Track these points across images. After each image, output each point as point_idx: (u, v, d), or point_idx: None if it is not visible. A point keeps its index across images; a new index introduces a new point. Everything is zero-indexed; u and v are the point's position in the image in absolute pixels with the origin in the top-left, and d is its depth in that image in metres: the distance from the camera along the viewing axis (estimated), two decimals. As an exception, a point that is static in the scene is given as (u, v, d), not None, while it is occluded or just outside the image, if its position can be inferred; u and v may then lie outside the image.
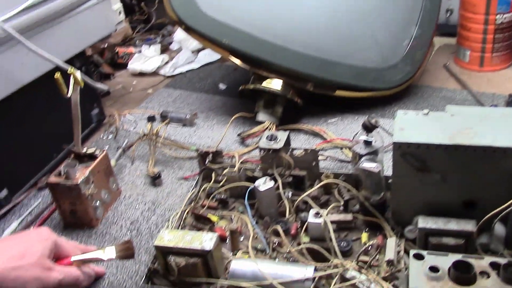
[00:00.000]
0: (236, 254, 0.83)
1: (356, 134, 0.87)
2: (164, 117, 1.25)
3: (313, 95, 1.19)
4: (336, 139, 1.09)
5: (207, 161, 0.99)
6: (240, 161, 0.97)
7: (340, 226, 0.85)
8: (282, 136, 0.93)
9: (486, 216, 0.72)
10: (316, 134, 1.15)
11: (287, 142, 0.94)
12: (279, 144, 0.91)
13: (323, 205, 0.88)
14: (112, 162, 1.09)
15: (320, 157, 1.05)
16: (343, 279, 0.74)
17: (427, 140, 0.75)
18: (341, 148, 1.07)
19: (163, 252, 0.78)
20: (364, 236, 0.83)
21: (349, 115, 1.21)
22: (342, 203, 0.88)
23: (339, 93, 1.18)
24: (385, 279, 0.74)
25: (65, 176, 0.91)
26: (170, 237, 0.78)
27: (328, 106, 1.24)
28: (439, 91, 1.27)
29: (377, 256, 0.79)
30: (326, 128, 1.17)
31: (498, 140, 0.73)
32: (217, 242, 0.78)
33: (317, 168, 0.95)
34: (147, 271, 0.81)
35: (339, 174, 0.93)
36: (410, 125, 0.79)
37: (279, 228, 0.81)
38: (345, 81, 1.17)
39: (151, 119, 1.26)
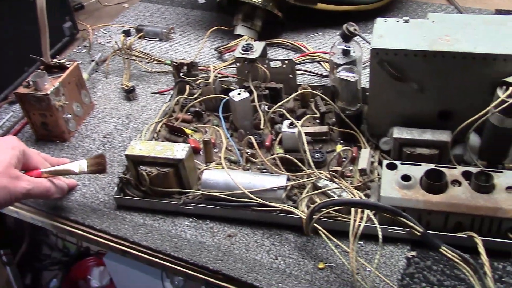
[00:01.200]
0: (209, 166, 0.82)
1: (334, 43, 0.84)
2: (139, 31, 1.21)
3: (294, 8, 1.14)
4: (315, 52, 1.05)
5: (181, 73, 0.96)
6: (215, 73, 0.93)
7: (316, 138, 0.84)
8: (258, 46, 0.90)
9: (461, 126, 0.71)
10: (296, 49, 1.12)
11: (264, 53, 0.91)
12: (254, 54, 0.88)
13: (299, 118, 0.86)
14: (85, 76, 1.05)
15: (299, 72, 1.02)
16: (315, 188, 0.73)
17: (405, 47, 0.72)
18: (320, 62, 1.04)
19: (135, 162, 0.77)
20: (339, 147, 0.82)
21: (330, 30, 1.17)
22: (318, 115, 0.86)
23: (321, 6, 1.14)
24: (357, 188, 0.74)
25: (33, 87, 0.88)
26: (141, 147, 0.77)
27: (309, 20, 1.19)
28: (424, 6, 1.23)
29: (351, 167, 0.78)
30: (306, 42, 1.13)
31: (478, 47, 0.70)
32: (190, 153, 0.76)
33: (294, 81, 0.92)
34: (119, 182, 0.80)
35: (317, 87, 0.91)
36: (389, 32, 0.76)
37: (252, 139, 0.80)
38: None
39: (126, 33, 1.21)
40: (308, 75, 1.03)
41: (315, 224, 0.68)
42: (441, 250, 0.58)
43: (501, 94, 0.68)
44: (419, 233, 0.59)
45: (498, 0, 1.22)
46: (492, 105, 0.69)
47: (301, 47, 1.10)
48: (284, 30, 1.18)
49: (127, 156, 0.76)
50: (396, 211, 0.60)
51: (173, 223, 0.76)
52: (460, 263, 0.58)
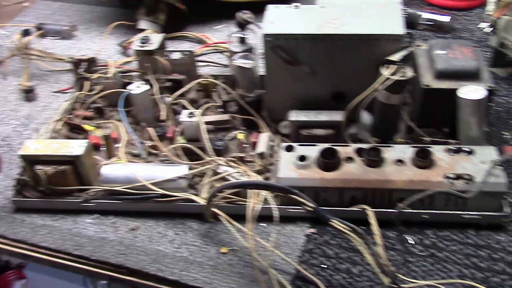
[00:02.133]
0: (111, 161, 0.80)
1: (231, 32, 0.85)
2: (39, 29, 1.17)
3: (198, 0, 1.14)
4: (217, 42, 1.06)
5: (81, 69, 0.94)
6: (114, 68, 0.92)
7: (218, 127, 0.84)
8: (156, 38, 0.89)
9: (351, 104, 0.74)
10: (201, 41, 1.12)
11: (163, 45, 0.91)
12: (152, 46, 0.87)
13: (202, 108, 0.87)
14: (-20, 78, 1.01)
15: (202, 63, 1.03)
16: (216, 174, 0.74)
17: (295, 31, 0.74)
18: (223, 52, 1.05)
19: (31, 162, 0.74)
20: (241, 134, 0.83)
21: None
22: (220, 104, 0.87)
23: (229, -3, 1.15)
24: (258, 172, 0.75)
25: None
26: (37, 146, 0.75)
27: (214, 12, 1.20)
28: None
29: (253, 152, 0.80)
30: (212, 34, 1.13)
31: (364, 29, 0.73)
32: (88, 149, 0.75)
33: (195, 72, 0.92)
34: (15, 184, 0.77)
35: (218, 76, 0.91)
36: (280, 18, 0.77)
37: (151, 131, 0.79)
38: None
39: (25, 32, 1.17)
40: (213, 65, 1.04)
41: (215, 210, 0.68)
42: (330, 223, 0.60)
43: (385, 72, 0.72)
44: (311, 209, 0.61)
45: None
46: (377, 82, 0.72)
47: (206, 38, 1.11)
48: (189, 23, 1.18)
49: (22, 156, 0.74)
50: (287, 189, 0.62)
51: (74, 221, 0.75)
52: (350, 233, 0.60)
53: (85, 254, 0.70)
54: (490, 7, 0.91)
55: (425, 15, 1.09)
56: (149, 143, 0.81)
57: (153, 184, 0.72)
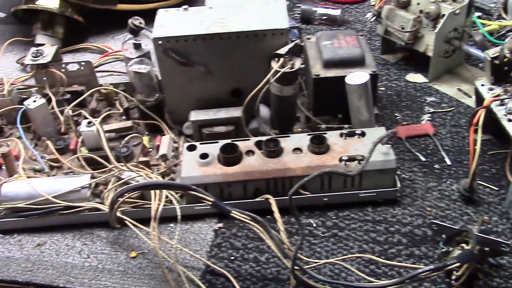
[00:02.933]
0: (12, 179, 0.79)
1: (125, 39, 0.86)
2: None
3: (96, 11, 1.13)
4: (116, 51, 1.06)
5: (-26, 90, 0.91)
6: (12, 85, 0.90)
7: (121, 134, 0.84)
8: (49, 50, 0.88)
9: (247, 99, 0.76)
10: (103, 52, 1.11)
11: (57, 57, 0.89)
12: (46, 59, 0.86)
13: (105, 117, 0.86)
14: None
15: (104, 73, 1.02)
16: (120, 180, 0.74)
17: (184, 33, 0.75)
18: (123, 61, 1.05)
19: None
20: (146, 139, 0.83)
21: (136, 29, 1.18)
22: (122, 111, 0.87)
23: (122, 6, 1.15)
24: (163, 174, 0.76)
25: None
26: None
27: (115, 22, 1.19)
28: None
29: (157, 155, 0.80)
30: (114, 44, 1.13)
31: (250, 25, 0.76)
32: (-15, 168, 0.73)
33: (95, 81, 0.92)
34: None
35: (118, 84, 0.91)
36: (170, 21, 0.79)
37: (50, 144, 0.78)
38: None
39: None
40: (115, 74, 1.03)
41: (120, 215, 0.68)
42: (231, 214, 0.62)
43: (274, 65, 0.74)
44: (210, 203, 0.62)
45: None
46: (268, 76, 0.74)
47: (107, 48, 1.10)
48: (90, 35, 1.17)
49: None
50: (185, 186, 0.63)
51: (-23, 243, 0.72)
52: (251, 222, 0.62)
53: (-10, 275, 0.68)
54: (374, -2, 0.97)
55: (319, 10, 1.13)
56: (49, 156, 0.80)
57: (56, 197, 0.71)
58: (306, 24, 1.15)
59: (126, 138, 0.77)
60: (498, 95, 0.72)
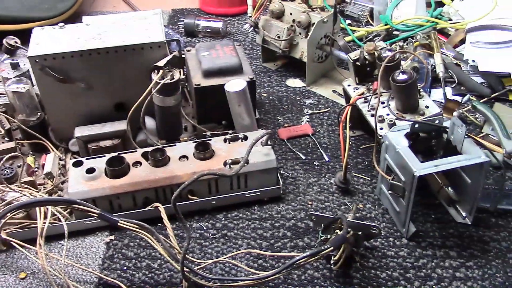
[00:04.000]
0: None
1: (1, 60, 0.84)
2: None
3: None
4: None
5: None
6: None
7: (4, 156, 0.82)
8: None
9: (130, 112, 0.78)
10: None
11: None
12: None
13: (-14, 140, 0.84)
14: None
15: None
16: (3, 201, 0.72)
17: (61, 50, 0.76)
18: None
19: None
20: (30, 159, 0.82)
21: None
22: (3, 132, 0.85)
23: (2, 27, 1.12)
24: (50, 192, 0.75)
25: None
26: None
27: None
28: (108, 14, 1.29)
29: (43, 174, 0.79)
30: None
31: (127, 39, 0.78)
32: None
33: (-28, 104, 0.89)
34: None
35: (-2, 106, 0.89)
36: (46, 39, 0.78)
37: None
38: (10, 14, 1.12)
39: None
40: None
41: (6, 237, 0.67)
42: (119, 224, 0.63)
43: (154, 77, 0.77)
44: (96, 215, 0.63)
45: (173, 1, 1.34)
46: (149, 87, 0.76)
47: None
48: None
49: None
50: (69, 200, 0.63)
51: None
52: (139, 230, 0.64)
53: None
54: (250, 9, 1.02)
55: (202, 23, 1.17)
56: None
57: None
58: (191, 37, 1.18)
59: (5, 159, 0.76)
60: (362, 94, 0.79)
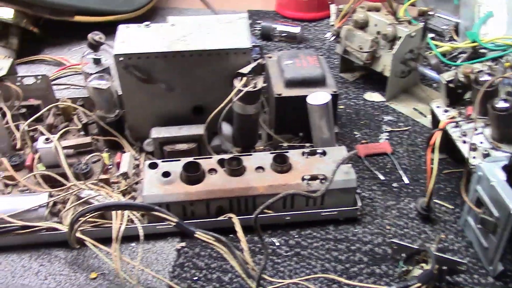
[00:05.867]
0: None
1: (84, 54, 0.84)
2: None
3: (53, 23, 1.11)
4: (75, 64, 1.04)
5: None
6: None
7: (80, 150, 0.83)
8: (3, 64, 0.86)
9: (209, 117, 0.76)
10: (59, 64, 1.09)
11: (13, 70, 0.87)
12: (0, 72, 0.83)
13: (63, 133, 0.84)
14: None
15: (61, 86, 1.00)
16: (79, 199, 0.72)
17: (146, 50, 0.75)
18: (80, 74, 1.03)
19: None
20: (105, 156, 0.82)
21: (94, 42, 1.16)
22: (80, 127, 0.85)
23: (79, 18, 1.13)
24: (124, 192, 0.75)
25: None
26: None
27: (72, 34, 1.17)
28: (185, 12, 1.29)
29: (117, 173, 0.79)
30: (70, 56, 1.11)
31: (212, 44, 0.76)
32: None
33: (52, 95, 0.90)
34: None
35: (77, 99, 0.90)
36: (131, 37, 0.78)
37: (5, 161, 0.76)
38: (87, 6, 1.12)
39: None
40: (72, 88, 1.01)
41: (80, 235, 0.67)
42: (196, 235, 0.62)
43: (237, 84, 0.75)
44: (173, 223, 0.62)
45: (249, 2, 1.33)
46: (231, 95, 0.75)
47: (64, 61, 1.08)
48: (46, 46, 1.15)
49: None
50: (148, 207, 0.62)
51: None
52: (214, 243, 0.62)
53: None
54: (332, 17, 0.99)
55: (279, 27, 1.15)
56: (3, 174, 0.77)
57: (11, 216, 0.69)
58: (266, 41, 1.16)
59: (88, 157, 0.76)
60: (453, 117, 0.75)
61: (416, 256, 0.63)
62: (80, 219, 0.63)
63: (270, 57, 0.86)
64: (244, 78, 0.74)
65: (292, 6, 1.23)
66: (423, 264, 0.61)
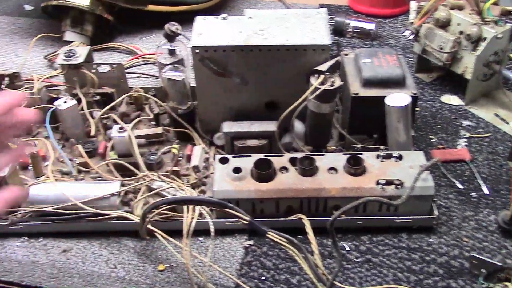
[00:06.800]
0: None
1: (160, 44, 0.84)
2: (-43, 42, 1.11)
3: (126, 11, 1.12)
4: (147, 54, 1.04)
5: (3, 85, 0.90)
6: (41, 83, 0.88)
7: (151, 140, 0.83)
8: (82, 51, 0.87)
9: (283, 114, 0.74)
10: (131, 52, 1.10)
11: (89, 58, 0.88)
12: (78, 59, 0.85)
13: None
14: None
15: (133, 75, 1.01)
16: (150, 190, 0.72)
17: (223, 43, 0.74)
18: (155, 64, 1.03)
19: (-50, 186, 0.70)
20: (175, 147, 0.82)
21: (165, 31, 1.16)
22: (152, 117, 0.86)
23: (153, 7, 1.13)
24: (193, 186, 0.75)
25: None
26: (-43, 169, 0.70)
27: (144, 22, 1.18)
28: (255, 4, 1.27)
29: (188, 165, 0.79)
30: (142, 45, 1.11)
31: (291, 39, 0.74)
32: (13, 169, 0.72)
33: (126, 84, 0.90)
34: None
35: (149, 88, 0.90)
36: (208, 29, 0.77)
37: (80, 148, 0.77)
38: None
39: None
40: (143, 77, 1.02)
41: (150, 226, 0.67)
42: (268, 235, 0.60)
43: (314, 81, 0.73)
44: (246, 222, 0.61)
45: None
46: (307, 92, 0.73)
47: (136, 49, 1.09)
48: (118, 34, 1.16)
49: None
50: (222, 203, 0.61)
51: (1, 245, 0.71)
52: (286, 245, 0.60)
53: (15, 279, 0.67)
54: (412, 15, 0.94)
55: (353, 23, 1.11)
56: (78, 160, 0.78)
57: (84, 203, 0.70)
58: (338, 36, 1.13)
59: (164, 149, 0.76)
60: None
61: (499, 274, 0.60)
62: (154, 210, 0.63)
63: (346, 55, 0.83)
64: (322, 76, 0.72)
65: (366, 1, 1.19)
66: (507, 283, 0.58)
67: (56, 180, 0.74)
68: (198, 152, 0.77)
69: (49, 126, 0.81)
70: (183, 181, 0.75)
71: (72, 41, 1.08)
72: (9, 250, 0.71)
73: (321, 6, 1.24)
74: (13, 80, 0.90)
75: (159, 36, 1.13)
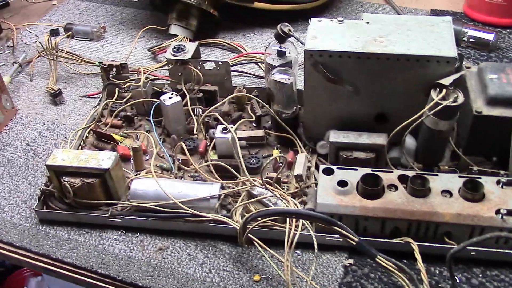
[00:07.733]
0: (139, 174, 0.77)
1: (269, 44, 0.82)
2: (68, 30, 1.14)
3: (231, 7, 1.11)
4: (252, 53, 1.02)
5: (110, 75, 0.91)
6: (146, 75, 0.89)
7: (252, 143, 0.81)
8: (190, 47, 0.86)
9: (397, 129, 0.69)
10: (233, 49, 1.08)
11: (197, 54, 0.87)
12: (186, 55, 0.84)
13: (235, 121, 0.83)
14: (7, 79, 0.99)
15: (235, 73, 0.99)
16: (250, 196, 0.70)
17: (339, 48, 0.70)
18: (257, 63, 1.01)
19: (57, 173, 0.71)
20: (276, 152, 0.79)
21: (268, 30, 1.14)
22: (254, 119, 0.83)
23: (258, 4, 1.11)
24: (293, 195, 0.72)
25: None
26: (64, 156, 0.71)
27: (247, 19, 1.16)
28: (362, 6, 1.22)
29: (288, 172, 0.76)
30: (244, 42, 1.10)
31: (412, 49, 0.69)
32: (117, 161, 0.72)
33: (229, 83, 0.89)
34: (40, 194, 0.74)
35: (253, 89, 0.88)
36: (323, 33, 0.73)
37: (183, 145, 0.76)
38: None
39: (53, 32, 1.15)
40: (245, 76, 1.00)
41: (249, 235, 0.65)
42: (377, 259, 0.56)
43: (435, 96, 0.67)
44: (354, 243, 0.57)
45: (434, 0, 1.23)
46: (426, 107, 0.67)
47: (238, 47, 1.07)
48: (221, 30, 1.15)
49: (48, 166, 0.71)
50: (331, 221, 0.58)
51: (100, 237, 0.71)
52: (396, 272, 0.56)
53: (111, 273, 0.67)
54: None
55: (470, 32, 1.04)
56: (180, 157, 0.77)
57: (184, 202, 0.69)
58: (451, 45, 1.05)
59: (266, 154, 0.73)
60: None
61: None
62: (259, 218, 0.60)
63: (468, 68, 0.77)
64: (444, 90, 0.67)
65: (484, 8, 1.11)
66: None
67: (156, 176, 0.73)
68: (302, 160, 0.74)
69: (153, 120, 0.81)
70: (282, 188, 0.72)
71: (176, 35, 1.08)
72: (107, 242, 0.71)
73: (433, 11, 1.17)
74: (120, 71, 0.91)
75: (261, 34, 1.12)
